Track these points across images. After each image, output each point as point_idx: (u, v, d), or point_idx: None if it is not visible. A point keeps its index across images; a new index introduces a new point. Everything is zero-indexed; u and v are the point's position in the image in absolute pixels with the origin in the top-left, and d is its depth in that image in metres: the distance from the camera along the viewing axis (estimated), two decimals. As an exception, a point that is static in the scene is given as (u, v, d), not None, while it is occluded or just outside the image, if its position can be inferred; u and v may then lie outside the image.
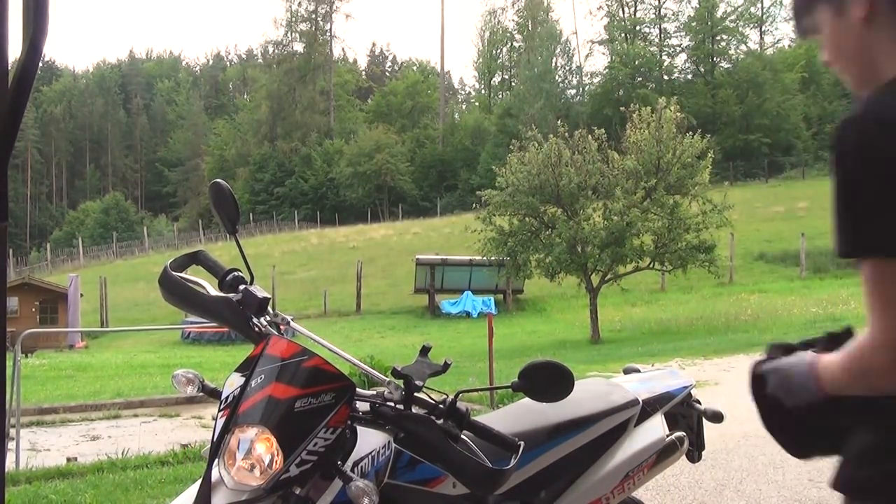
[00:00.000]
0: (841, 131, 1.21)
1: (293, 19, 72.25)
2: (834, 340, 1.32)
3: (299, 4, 71.96)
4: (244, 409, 1.54)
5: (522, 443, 1.66)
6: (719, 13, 59.56)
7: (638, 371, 2.53)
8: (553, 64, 61.31)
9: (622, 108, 19.70)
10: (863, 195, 1.19)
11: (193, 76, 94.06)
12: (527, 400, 1.75)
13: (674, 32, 62.87)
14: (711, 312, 17.40)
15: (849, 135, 1.21)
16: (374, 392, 1.74)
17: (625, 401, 2.19)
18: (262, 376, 1.56)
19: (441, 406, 1.66)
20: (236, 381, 1.60)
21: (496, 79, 75.46)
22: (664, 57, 62.29)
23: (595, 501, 2.11)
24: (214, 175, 49.17)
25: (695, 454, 2.39)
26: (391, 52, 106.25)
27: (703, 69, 60.78)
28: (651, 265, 17.59)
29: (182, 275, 1.87)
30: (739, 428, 5.86)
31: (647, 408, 2.23)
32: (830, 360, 1.23)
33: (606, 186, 17.26)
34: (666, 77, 60.65)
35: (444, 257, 27.44)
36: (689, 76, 61.86)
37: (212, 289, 1.85)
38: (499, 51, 73.36)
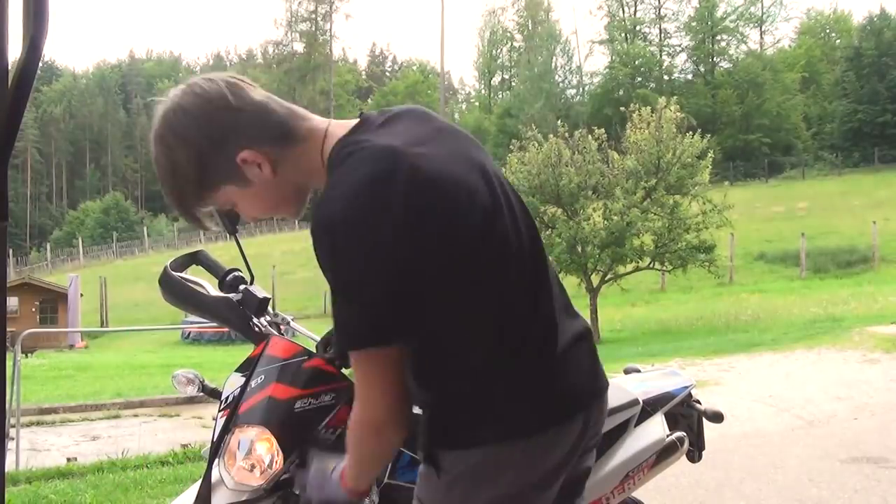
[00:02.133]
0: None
1: (293, 19, 72.32)
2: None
3: (299, 4, 72.04)
4: (244, 410, 1.54)
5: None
6: (719, 13, 59.58)
7: (638, 371, 2.53)
8: (553, 64, 61.32)
9: (622, 108, 19.70)
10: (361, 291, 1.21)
11: (193, 76, 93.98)
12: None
13: (674, 32, 62.95)
14: (711, 312, 17.39)
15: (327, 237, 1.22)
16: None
17: (625, 401, 2.19)
18: (263, 376, 1.56)
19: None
20: (236, 381, 1.60)
21: (496, 79, 75.49)
22: (664, 57, 62.31)
23: (595, 501, 2.11)
24: (214, 175, 48.99)
25: (695, 454, 2.39)
26: (391, 52, 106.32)
27: (703, 69, 60.80)
28: (651, 265, 17.58)
29: (182, 275, 1.87)
30: (739, 428, 5.86)
31: (648, 408, 2.23)
32: (345, 464, 1.39)
33: (606, 186, 17.25)
34: (666, 77, 60.65)
35: (444, 257, 27.45)
36: (689, 76, 61.87)
37: (212, 289, 1.85)
38: (499, 51, 73.40)
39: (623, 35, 62.67)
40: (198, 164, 1.29)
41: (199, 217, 1.39)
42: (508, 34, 72.26)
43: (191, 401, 9.81)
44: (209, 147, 1.28)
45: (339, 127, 1.33)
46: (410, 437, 1.66)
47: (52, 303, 28.23)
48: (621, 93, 53.79)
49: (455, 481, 1.32)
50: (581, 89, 64.74)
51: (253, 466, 1.49)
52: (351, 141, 1.27)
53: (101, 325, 27.52)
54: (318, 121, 1.35)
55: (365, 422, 1.28)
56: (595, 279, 17.40)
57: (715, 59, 60.60)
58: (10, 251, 45.14)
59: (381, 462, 1.41)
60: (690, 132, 17.38)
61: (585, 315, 18.62)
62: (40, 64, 0.89)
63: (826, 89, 57.19)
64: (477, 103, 77.50)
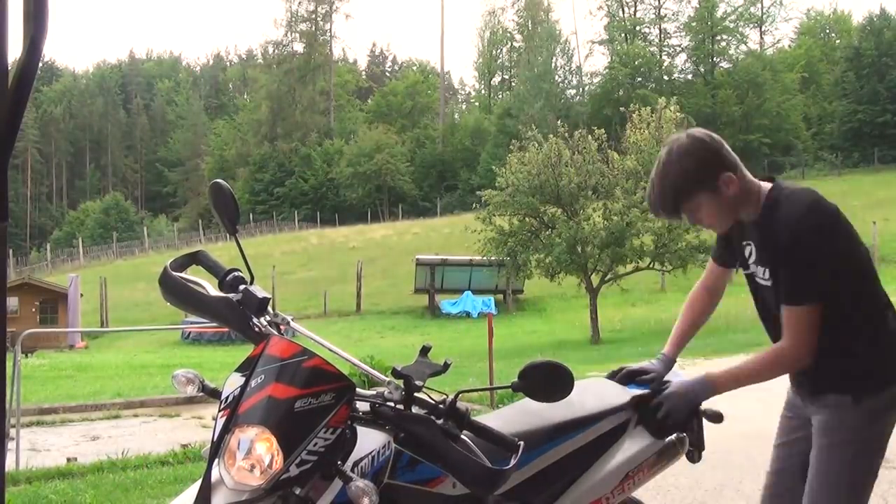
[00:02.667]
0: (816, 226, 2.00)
1: (293, 19, 72.26)
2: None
3: (299, 4, 72.00)
4: (244, 409, 1.54)
5: (522, 443, 1.66)
6: (719, 13, 59.59)
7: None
8: (553, 64, 61.31)
9: (622, 109, 19.71)
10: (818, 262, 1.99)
11: (193, 76, 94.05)
12: (527, 400, 1.75)
13: (674, 32, 62.95)
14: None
15: (821, 227, 2.00)
16: (374, 392, 1.74)
17: (625, 401, 2.19)
18: (262, 376, 1.56)
19: (441, 406, 1.66)
20: (236, 381, 1.60)
21: (496, 79, 75.49)
22: (664, 57, 62.31)
23: (595, 502, 2.11)
24: (214, 175, 49.13)
25: (695, 454, 2.39)
26: (391, 52, 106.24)
27: (703, 69, 60.79)
28: (651, 265, 17.59)
29: (182, 275, 1.87)
30: (739, 428, 5.85)
31: (648, 408, 2.22)
32: (725, 371, 2.24)
33: (606, 186, 17.26)
34: (666, 77, 60.63)
35: (444, 257, 27.43)
36: (689, 76, 61.86)
37: (212, 289, 1.85)
38: (499, 51, 73.39)
39: (623, 35, 62.67)
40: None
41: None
42: (508, 34, 72.26)
43: (191, 401, 9.82)
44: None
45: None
46: (410, 437, 1.66)
47: (52, 303, 28.23)
48: (621, 93, 53.78)
49: (877, 412, 2.06)
50: (581, 89, 64.78)
51: (253, 466, 1.49)
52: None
53: (101, 325, 27.51)
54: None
55: (790, 355, 2.06)
56: (595, 279, 17.41)
57: (715, 59, 60.60)
58: (10, 251, 45.12)
59: (763, 381, 2.16)
60: (690, 132, 17.38)
61: (585, 315, 18.57)
62: (40, 64, 0.89)
63: (826, 89, 57.19)
64: (477, 103, 77.50)
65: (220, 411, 1.59)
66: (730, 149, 2.09)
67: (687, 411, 2.14)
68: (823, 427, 2.12)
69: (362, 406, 1.70)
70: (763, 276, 2.14)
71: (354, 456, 1.62)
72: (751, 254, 2.19)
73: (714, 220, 2.13)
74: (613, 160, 17.43)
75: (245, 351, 1.70)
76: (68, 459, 6.49)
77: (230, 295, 1.81)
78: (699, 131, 2.10)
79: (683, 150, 2.04)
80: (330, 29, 73.67)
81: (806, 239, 1.96)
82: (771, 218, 2.05)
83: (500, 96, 72.29)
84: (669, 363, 2.40)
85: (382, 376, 1.77)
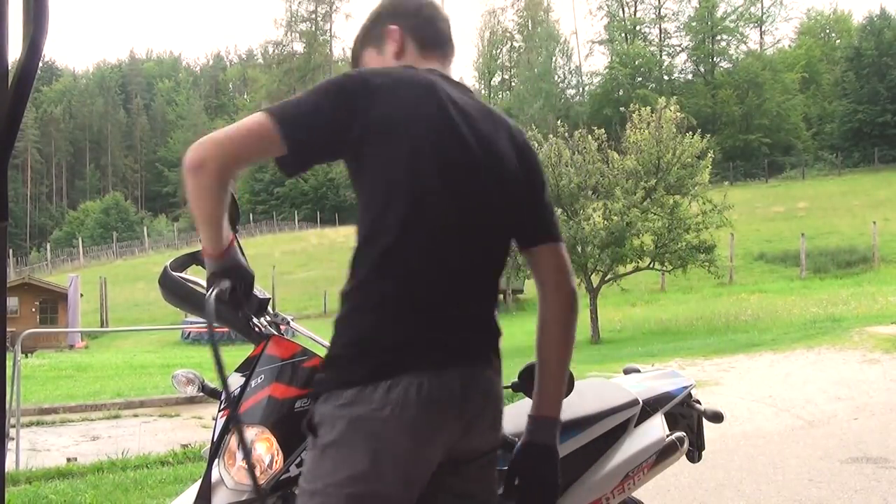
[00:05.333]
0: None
1: (293, 19, 72.34)
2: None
3: (299, 4, 72.10)
4: (244, 409, 1.54)
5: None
6: (719, 13, 59.63)
7: (638, 371, 2.53)
8: (553, 64, 61.36)
9: (622, 109, 19.68)
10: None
11: (193, 76, 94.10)
12: (527, 400, 1.75)
13: (674, 32, 63.01)
14: (711, 312, 17.38)
15: None
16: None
17: (625, 401, 2.19)
18: (262, 376, 1.56)
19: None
20: (236, 381, 1.60)
21: (496, 79, 75.48)
22: (664, 57, 62.35)
23: (595, 501, 2.11)
24: (214, 175, 48.96)
25: (695, 454, 2.39)
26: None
27: (703, 69, 60.83)
28: (651, 265, 17.57)
29: (182, 275, 1.87)
30: (739, 428, 5.86)
31: (647, 408, 2.22)
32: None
33: (606, 186, 17.24)
34: (666, 77, 60.68)
35: (444, 257, 27.43)
36: (689, 76, 61.92)
37: (212, 289, 1.84)
38: (499, 51, 73.41)
39: (623, 35, 62.71)
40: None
41: None
42: (508, 34, 72.30)
43: (191, 401, 9.81)
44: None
45: None
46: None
47: (52, 303, 28.23)
48: (621, 93, 53.82)
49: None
50: (581, 89, 64.83)
51: (253, 466, 1.49)
52: None
53: (101, 325, 27.52)
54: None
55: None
56: (595, 279, 17.39)
57: (715, 59, 60.62)
58: (10, 251, 45.13)
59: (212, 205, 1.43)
60: (690, 132, 17.37)
61: (585, 315, 18.50)
62: (40, 64, 0.89)
63: (826, 89, 57.21)
64: (477, 103, 77.38)
65: (220, 411, 1.59)
66: (439, 24, 1.66)
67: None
68: None
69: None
70: None
71: (354, 456, 1.62)
72: None
73: None
74: (613, 160, 17.41)
75: (245, 351, 1.70)
76: (68, 459, 6.48)
77: (230, 295, 1.81)
78: None
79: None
80: (330, 29, 73.81)
81: None
82: None
83: (500, 96, 72.29)
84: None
85: None
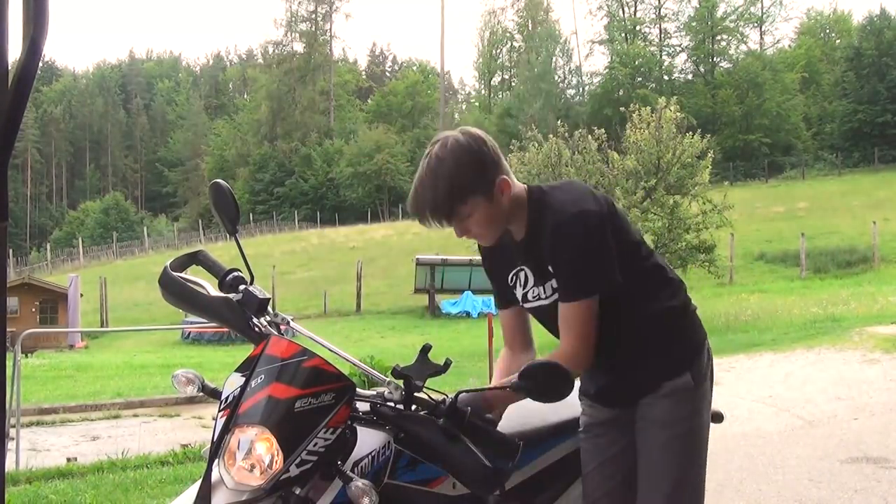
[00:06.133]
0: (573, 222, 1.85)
1: (293, 19, 72.30)
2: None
3: (299, 4, 72.05)
4: (244, 409, 1.54)
5: (522, 443, 1.66)
6: (719, 13, 59.60)
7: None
8: (553, 64, 61.33)
9: (622, 108, 19.68)
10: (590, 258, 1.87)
11: (193, 76, 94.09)
12: (527, 400, 1.75)
13: (674, 32, 62.95)
14: (711, 312, 17.35)
15: (579, 222, 1.85)
16: (374, 392, 1.74)
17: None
18: (262, 376, 1.56)
19: (441, 406, 1.66)
20: (236, 381, 1.60)
21: (496, 79, 75.45)
22: (664, 57, 62.32)
23: (595, 501, 2.10)
24: (214, 175, 49.12)
25: (695, 454, 2.38)
26: (391, 52, 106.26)
27: (703, 69, 60.81)
28: (651, 265, 17.57)
29: (182, 275, 1.87)
30: (739, 428, 5.86)
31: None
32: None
33: (606, 186, 17.23)
34: (666, 77, 60.65)
35: (444, 257, 27.41)
36: (689, 76, 61.88)
37: (212, 289, 1.85)
38: (499, 51, 73.37)
39: (623, 35, 62.67)
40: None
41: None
42: (508, 34, 72.25)
43: (191, 401, 9.82)
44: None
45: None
46: (410, 437, 1.66)
47: (52, 303, 28.22)
48: (621, 93, 53.79)
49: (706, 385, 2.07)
50: (581, 89, 64.82)
51: (253, 466, 1.49)
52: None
53: (101, 325, 27.49)
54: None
55: (574, 353, 1.88)
56: (595, 279, 17.40)
57: (715, 59, 60.60)
58: (10, 251, 45.12)
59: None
60: (690, 132, 17.37)
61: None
62: (40, 64, 0.89)
63: (826, 89, 57.19)
64: (477, 103, 77.43)
65: (220, 411, 1.59)
66: (501, 155, 1.94)
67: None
68: (665, 419, 1.98)
69: (362, 406, 1.70)
70: (545, 295, 1.96)
71: (354, 456, 1.63)
72: (527, 278, 1.99)
73: (484, 230, 1.92)
74: (613, 160, 17.41)
75: (245, 351, 1.69)
76: (68, 459, 6.48)
77: (230, 295, 1.81)
78: (476, 130, 1.92)
79: (464, 148, 1.84)
80: (330, 29, 73.75)
81: (573, 239, 1.84)
82: (539, 228, 1.90)
83: (500, 96, 72.26)
84: None
85: (382, 376, 1.76)
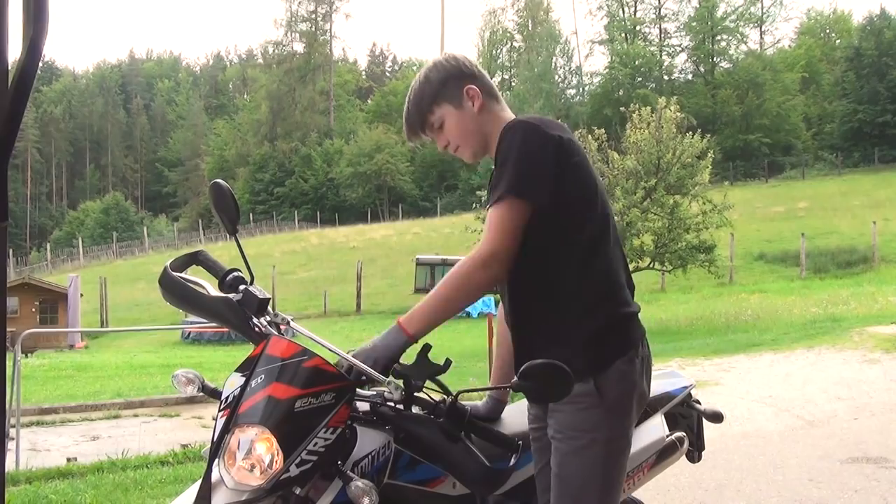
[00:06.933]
0: (514, 127, 1.78)
1: (293, 19, 72.31)
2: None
3: (299, 4, 72.07)
4: (244, 409, 1.54)
5: (522, 443, 1.66)
6: (719, 13, 59.60)
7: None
8: (553, 64, 61.38)
9: (622, 108, 19.69)
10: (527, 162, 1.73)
11: (193, 76, 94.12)
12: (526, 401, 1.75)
13: (674, 32, 62.99)
14: (711, 312, 17.38)
15: (518, 128, 1.77)
16: (374, 392, 1.73)
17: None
18: (263, 376, 1.56)
19: (441, 406, 1.66)
20: (236, 381, 1.60)
21: (496, 79, 75.33)
22: (664, 57, 62.32)
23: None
24: (214, 175, 49.16)
25: (695, 454, 2.39)
26: (391, 52, 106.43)
27: (703, 69, 60.82)
28: (651, 265, 17.57)
29: (182, 275, 1.87)
30: (739, 428, 5.86)
31: (647, 408, 2.22)
32: (415, 308, 1.71)
33: (606, 186, 17.25)
34: (666, 77, 60.67)
35: (444, 257, 27.41)
36: (689, 76, 61.91)
37: (212, 289, 1.84)
38: (499, 51, 73.37)
39: (623, 35, 62.69)
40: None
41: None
42: (508, 34, 72.25)
43: (191, 401, 9.82)
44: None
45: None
46: (410, 437, 1.66)
47: (52, 303, 28.23)
48: (621, 93, 53.81)
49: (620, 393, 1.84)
50: (581, 89, 64.83)
51: (253, 466, 1.49)
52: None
53: (101, 325, 27.50)
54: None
55: (481, 254, 1.72)
56: (595, 279, 17.40)
57: (715, 59, 60.60)
58: (10, 251, 45.13)
59: (460, 302, 1.75)
60: (690, 132, 17.38)
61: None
62: (40, 64, 0.89)
63: (826, 89, 57.20)
64: (477, 103, 77.40)
65: (220, 411, 1.59)
66: (489, 79, 1.94)
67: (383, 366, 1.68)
68: (561, 426, 1.77)
69: (362, 406, 1.71)
70: None
71: (354, 456, 1.63)
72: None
73: (459, 140, 1.90)
74: (613, 160, 17.42)
75: (245, 351, 1.69)
76: (68, 459, 6.48)
77: (230, 295, 1.81)
78: (456, 52, 1.97)
79: (436, 64, 1.94)
80: (330, 29, 73.75)
81: (509, 142, 1.75)
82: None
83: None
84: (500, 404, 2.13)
85: (382, 376, 1.76)
